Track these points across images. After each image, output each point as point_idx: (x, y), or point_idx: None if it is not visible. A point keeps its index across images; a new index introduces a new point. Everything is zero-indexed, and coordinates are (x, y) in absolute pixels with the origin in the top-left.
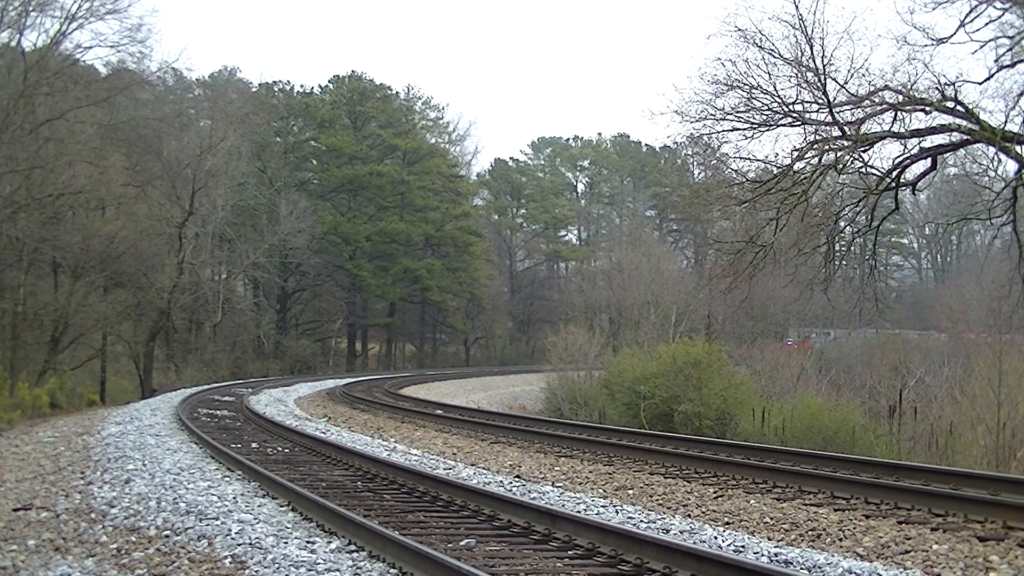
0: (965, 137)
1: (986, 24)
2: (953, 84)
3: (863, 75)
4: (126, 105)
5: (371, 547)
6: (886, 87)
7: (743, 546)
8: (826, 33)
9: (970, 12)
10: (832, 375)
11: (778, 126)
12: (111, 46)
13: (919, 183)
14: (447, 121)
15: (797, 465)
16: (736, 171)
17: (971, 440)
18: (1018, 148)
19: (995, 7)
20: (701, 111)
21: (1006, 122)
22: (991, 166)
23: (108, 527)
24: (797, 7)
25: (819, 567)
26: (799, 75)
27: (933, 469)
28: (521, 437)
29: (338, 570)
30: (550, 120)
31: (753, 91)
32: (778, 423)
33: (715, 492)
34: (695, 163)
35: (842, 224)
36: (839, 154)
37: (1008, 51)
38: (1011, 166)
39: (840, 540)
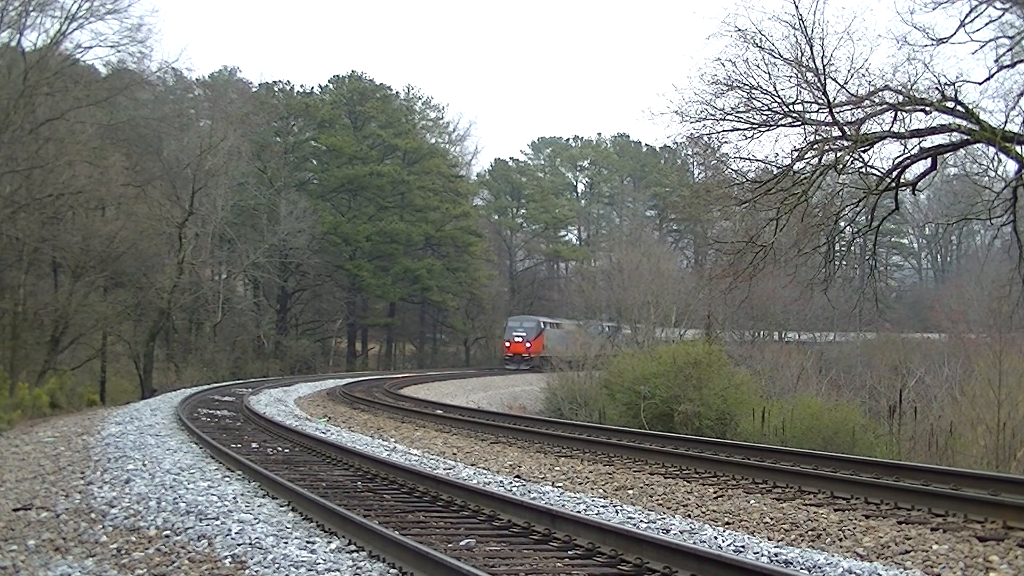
0: (965, 137)
1: (986, 24)
2: (953, 84)
3: (863, 75)
4: (126, 105)
5: (371, 547)
6: (886, 87)
7: (743, 546)
8: (826, 33)
9: (970, 12)
10: (832, 375)
11: (778, 126)
12: (111, 46)
13: (919, 183)
14: (447, 121)
15: (797, 465)
16: (736, 171)
17: (971, 440)
18: (1018, 148)
19: (995, 7)
20: (701, 111)
21: (1006, 122)
22: (991, 166)
23: (108, 527)
24: (797, 7)
25: (819, 567)
26: (799, 75)
27: (933, 469)
28: (521, 437)
29: (338, 570)
30: (550, 120)
31: (753, 91)
32: (778, 423)
33: (715, 492)
34: (695, 163)
35: (842, 224)
36: (839, 154)
37: (1008, 51)
38: (1011, 166)
39: (840, 540)
